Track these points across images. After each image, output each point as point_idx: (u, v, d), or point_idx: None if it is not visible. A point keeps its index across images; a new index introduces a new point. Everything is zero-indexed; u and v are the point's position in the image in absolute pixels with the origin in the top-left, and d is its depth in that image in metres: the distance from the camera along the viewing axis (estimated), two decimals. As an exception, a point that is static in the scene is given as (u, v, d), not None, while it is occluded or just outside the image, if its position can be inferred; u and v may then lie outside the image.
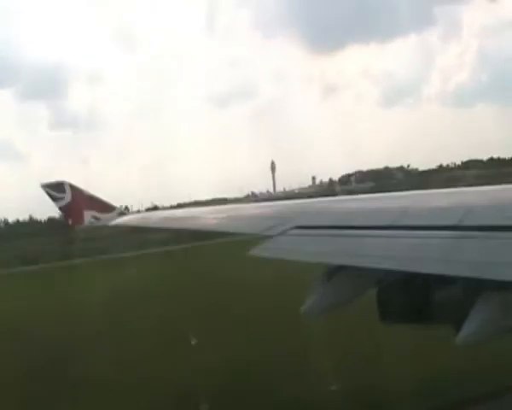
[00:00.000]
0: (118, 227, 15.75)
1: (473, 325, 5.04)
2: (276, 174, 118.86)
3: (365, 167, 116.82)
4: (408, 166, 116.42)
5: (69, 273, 44.03)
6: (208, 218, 11.94)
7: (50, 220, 72.61)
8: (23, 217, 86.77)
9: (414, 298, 6.49)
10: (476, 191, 8.21)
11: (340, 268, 6.68)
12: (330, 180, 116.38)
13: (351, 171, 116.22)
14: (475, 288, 5.20)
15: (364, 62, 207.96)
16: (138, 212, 21.95)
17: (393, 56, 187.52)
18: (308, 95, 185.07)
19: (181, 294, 28.83)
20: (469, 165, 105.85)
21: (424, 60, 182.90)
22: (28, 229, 78.31)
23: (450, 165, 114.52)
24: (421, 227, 6.29)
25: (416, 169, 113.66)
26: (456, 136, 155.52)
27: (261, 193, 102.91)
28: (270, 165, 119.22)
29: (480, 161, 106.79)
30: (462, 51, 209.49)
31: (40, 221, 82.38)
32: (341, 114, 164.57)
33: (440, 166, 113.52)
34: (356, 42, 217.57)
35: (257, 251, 7.62)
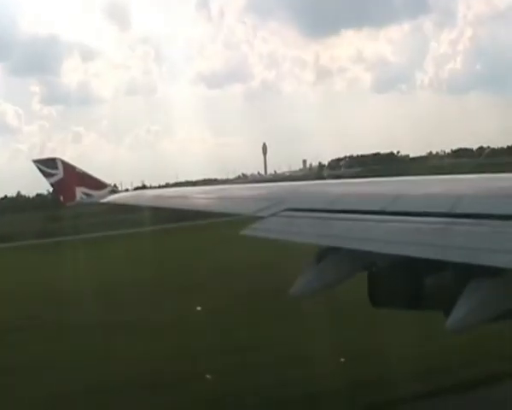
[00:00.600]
0: (106, 205, 15.77)
1: (461, 312, 5.08)
2: (267, 157, 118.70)
3: (357, 152, 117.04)
4: (398, 152, 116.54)
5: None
6: (199, 198, 11.98)
7: (39, 197, 72.12)
8: (11, 193, 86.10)
9: (405, 284, 6.54)
10: (467, 179, 8.24)
11: (330, 251, 6.75)
12: (320, 164, 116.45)
13: (341, 156, 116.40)
14: (465, 275, 5.26)
15: (358, 48, 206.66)
16: (127, 190, 21.87)
17: (387, 43, 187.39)
18: (301, 79, 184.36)
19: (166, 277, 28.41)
20: (459, 153, 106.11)
21: (418, 47, 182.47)
22: (15, 205, 77.52)
23: (440, 153, 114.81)
24: (413, 213, 6.31)
25: (407, 156, 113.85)
26: (447, 123, 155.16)
27: (252, 175, 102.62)
28: (261, 147, 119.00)
29: (470, 150, 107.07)
30: (456, 39, 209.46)
31: (28, 197, 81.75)
32: (334, 98, 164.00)
33: (430, 154, 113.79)
34: (350, 27, 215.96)
35: (248, 231, 7.77)
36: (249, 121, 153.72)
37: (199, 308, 20.76)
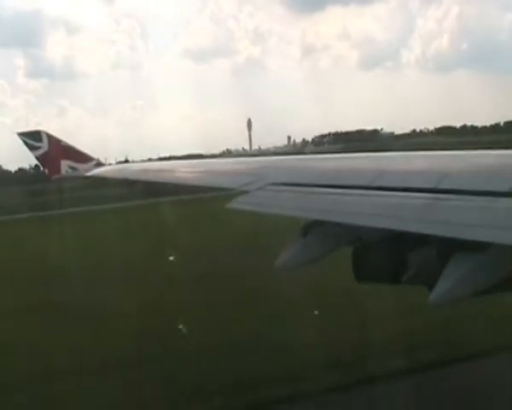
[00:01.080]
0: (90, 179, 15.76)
1: (445, 286, 5.16)
2: (252, 132, 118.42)
3: (342, 129, 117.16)
4: (381, 129, 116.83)
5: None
6: (185, 171, 11.88)
7: (21, 171, 71.47)
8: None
9: (389, 259, 6.58)
10: (453, 155, 8.27)
11: (315, 224, 6.83)
12: (303, 140, 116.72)
13: (326, 132, 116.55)
14: (449, 250, 5.33)
15: (344, 24, 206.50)
16: (109, 164, 21.79)
17: (373, 19, 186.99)
18: (287, 55, 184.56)
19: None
20: (442, 131, 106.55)
21: (404, 24, 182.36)
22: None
23: (424, 130, 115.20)
24: (399, 189, 6.33)
25: (392, 133, 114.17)
26: (433, 101, 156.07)
27: (236, 150, 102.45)
28: (246, 123, 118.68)
29: (453, 128, 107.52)
30: (442, 16, 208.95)
31: (10, 171, 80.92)
32: (320, 75, 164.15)
33: (413, 131, 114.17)
34: (336, 3, 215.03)
35: (234, 204, 7.81)
36: (234, 97, 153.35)
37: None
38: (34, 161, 16.15)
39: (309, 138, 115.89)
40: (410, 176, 6.99)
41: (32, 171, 68.89)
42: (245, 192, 8.05)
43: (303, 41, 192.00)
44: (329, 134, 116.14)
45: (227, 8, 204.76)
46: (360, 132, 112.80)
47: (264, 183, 8.06)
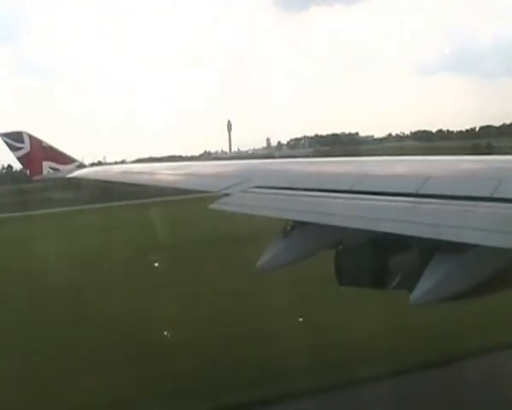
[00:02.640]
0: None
1: (426, 285, 5.28)
2: (232, 134, 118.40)
3: (321, 132, 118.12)
4: (357, 133, 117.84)
5: None
6: (167, 174, 11.81)
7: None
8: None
9: (371, 263, 6.69)
10: (433, 160, 8.37)
11: (298, 226, 6.94)
12: (279, 143, 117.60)
13: (306, 134, 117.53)
14: (430, 254, 5.44)
15: (327, 25, 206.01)
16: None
17: (357, 20, 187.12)
18: (269, 55, 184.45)
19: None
20: (418, 135, 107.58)
21: (387, 25, 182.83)
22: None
23: (400, 134, 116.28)
24: (380, 193, 6.39)
25: (370, 136, 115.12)
26: (413, 105, 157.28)
27: (216, 152, 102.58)
28: (226, 124, 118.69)
29: (429, 132, 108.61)
30: (425, 20, 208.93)
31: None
32: (301, 77, 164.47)
33: (390, 136, 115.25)
34: (320, 3, 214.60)
35: (217, 205, 7.89)
36: (215, 98, 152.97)
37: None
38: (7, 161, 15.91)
39: (286, 141, 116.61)
40: (390, 180, 7.05)
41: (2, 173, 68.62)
42: (227, 195, 8.09)
43: (286, 41, 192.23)
44: (304, 137, 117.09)
45: (210, 7, 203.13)
46: (335, 136, 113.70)
47: (246, 186, 8.14)
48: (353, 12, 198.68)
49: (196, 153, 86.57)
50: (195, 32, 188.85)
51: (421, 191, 6.00)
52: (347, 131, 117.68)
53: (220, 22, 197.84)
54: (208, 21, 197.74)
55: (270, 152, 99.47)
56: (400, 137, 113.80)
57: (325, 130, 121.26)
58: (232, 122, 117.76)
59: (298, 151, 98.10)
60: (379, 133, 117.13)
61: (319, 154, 62.99)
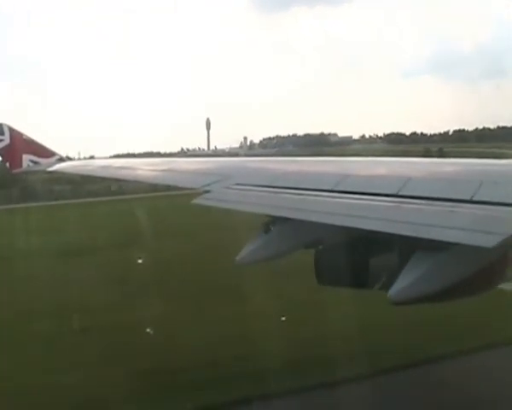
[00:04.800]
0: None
1: (405, 281, 5.39)
2: (210, 132, 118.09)
3: (300, 132, 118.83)
4: (328, 134, 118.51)
5: None
6: (148, 170, 11.92)
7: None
8: None
9: (351, 264, 6.83)
10: (412, 162, 8.66)
11: (278, 223, 7.13)
12: (251, 143, 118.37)
13: (279, 134, 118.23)
14: (409, 255, 5.57)
15: (308, 26, 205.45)
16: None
17: (339, 22, 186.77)
18: (248, 55, 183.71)
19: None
20: (391, 137, 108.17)
21: (370, 27, 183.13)
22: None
23: (373, 136, 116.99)
24: (360, 193, 6.51)
25: (351, 137, 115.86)
26: (393, 106, 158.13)
27: (194, 150, 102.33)
28: (205, 122, 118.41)
29: (403, 135, 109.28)
30: (406, 21, 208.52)
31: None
32: (280, 76, 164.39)
33: (363, 137, 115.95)
34: (301, 4, 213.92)
35: (199, 200, 8.09)
36: (194, 96, 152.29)
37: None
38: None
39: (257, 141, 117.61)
40: (368, 180, 7.20)
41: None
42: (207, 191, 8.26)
43: (265, 40, 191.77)
44: (277, 136, 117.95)
45: (190, 7, 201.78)
46: (307, 136, 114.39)
47: (227, 183, 8.32)
48: (335, 13, 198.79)
49: (174, 150, 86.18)
50: (174, 31, 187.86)
51: (401, 192, 6.13)
52: (323, 132, 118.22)
53: (199, 22, 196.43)
54: (188, 21, 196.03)
55: (243, 152, 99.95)
56: (374, 139, 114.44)
57: (303, 130, 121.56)
58: (211, 120, 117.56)
59: (259, 151, 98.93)
60: (358, 134, 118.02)
61: (282, 154, 63.47)
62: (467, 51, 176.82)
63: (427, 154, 46.79)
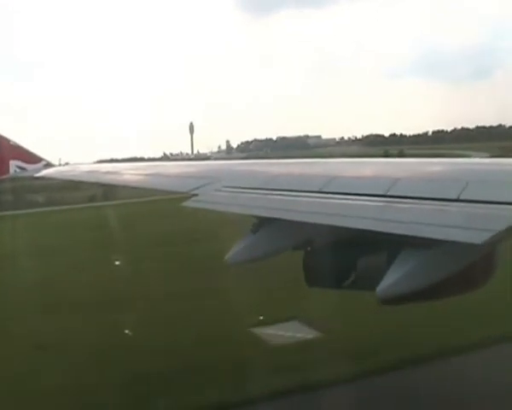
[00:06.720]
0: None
1: (392, 278, 5.48)
2: (194, 136, 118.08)
3: (281, 135, 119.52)
4: (307, 136, 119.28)
5: None
6: (134, 174, 11.93)
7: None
8: None
9: (339, 265, 6.93)
10: (400, 162, 8.85)
11: (267, 223, 7.26)
12: (228, 146, 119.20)
13: (257, 138, 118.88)
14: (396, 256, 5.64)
15: (296, 28, 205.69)
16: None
17: (326, 24, 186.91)
18: (234, 58, 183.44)
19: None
20: (370, 139, 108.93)
21: (357, 29, 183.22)
22: None
23: (352, 138, 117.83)
24: (349, 194, 6.56)
25: (334, 139, 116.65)
26: (377, 108, 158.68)
27: (178, 154, 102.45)
28: (188, 126, 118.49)
29: (382, 136, 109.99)
30: (392, 23, 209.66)
31: None
32: (267, 79, 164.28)
33: (342, 139, 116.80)
34: (289, 7, 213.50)
35: (189, 203, 8.20)
36: (177, 100, 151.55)
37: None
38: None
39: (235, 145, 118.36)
40: (355, 181, 7.26)
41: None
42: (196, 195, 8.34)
43: (251, 43, 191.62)
44: (254, 140, 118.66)
45: (176, 9, 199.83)
46: (284, 139, 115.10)
47: (215, 187, 8.38)
48: (322, 16, 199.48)
49: (156, 155, 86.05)
50: (159, 34, 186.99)
51: (390, 193, 6.17)
52: (300, 135, 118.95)
53: (185, 26, 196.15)
54: (173, 25, 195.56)
55: (221, 155, 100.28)
56: (352, 141, 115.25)
57: (283, 133, 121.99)
58: (195, 124, 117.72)
59: (229, 155, 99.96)
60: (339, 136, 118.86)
61: (250, 157, 63.82)
62: (451, 52, 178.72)
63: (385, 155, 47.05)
